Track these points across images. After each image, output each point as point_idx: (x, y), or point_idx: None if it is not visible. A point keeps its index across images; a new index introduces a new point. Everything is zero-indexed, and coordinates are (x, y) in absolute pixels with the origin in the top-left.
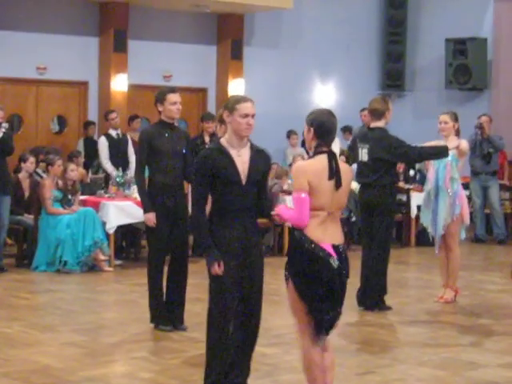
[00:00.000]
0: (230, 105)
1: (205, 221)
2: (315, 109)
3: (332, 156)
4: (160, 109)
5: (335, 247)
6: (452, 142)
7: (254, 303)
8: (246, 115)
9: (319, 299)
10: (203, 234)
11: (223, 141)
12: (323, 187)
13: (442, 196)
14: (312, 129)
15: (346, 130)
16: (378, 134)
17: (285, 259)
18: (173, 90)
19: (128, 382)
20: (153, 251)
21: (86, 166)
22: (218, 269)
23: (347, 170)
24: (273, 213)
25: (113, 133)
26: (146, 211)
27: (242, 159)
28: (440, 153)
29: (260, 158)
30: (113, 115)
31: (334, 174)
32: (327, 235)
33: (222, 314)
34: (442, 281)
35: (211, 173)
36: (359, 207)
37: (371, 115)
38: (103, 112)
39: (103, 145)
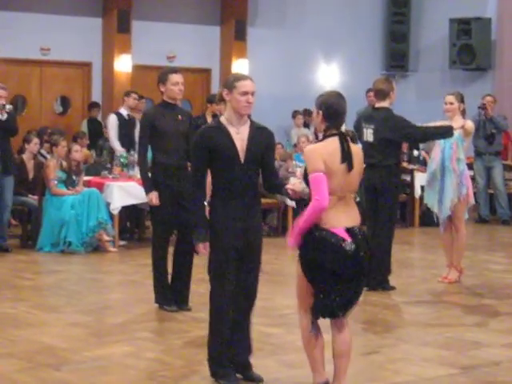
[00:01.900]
0: (229, 83)
1: (200, 198)
2: (324, 91)
3: (343, 138)
4: (162, 89)
5: (349, 230)
6: (457, 122)
7: (250, 283)
8: (246, 93)
9: (330, 285)
10: (197, 211)
11: (223, 119)
12: (335, 170)
13: (448, 176)
14: (321, 112)
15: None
16: (383, 114)
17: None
18: (175, 70)
19: (132, 362)
20: (157, 232)
21: (90, 147)
22: (202, 250)
23: (358, 152)
24: (288, 187)
25: (124, 112)
26: (147, 192)
27: (240, 137)
28: (445, 133)
29: (260, 135)
30: (134, 95)
31: (347, 156)
32: (339, 219)
33: (221, 294)
34: (446, 261)
35: (209, 150)
36: (364, 188)
37: (376, 95)
38: (114, 92)
39: (113, 123)
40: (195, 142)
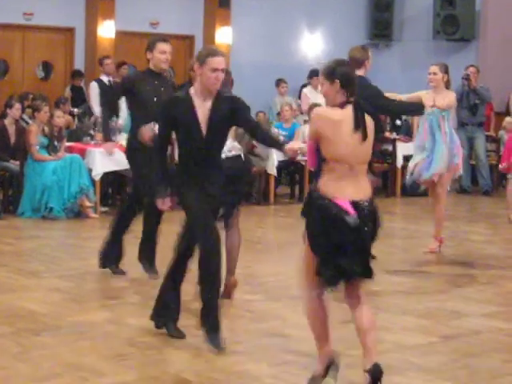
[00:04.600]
0: (201, 57)
1: (159, 160)
2: (331, 60)
3: (358, 107)
4: (149, 56)
5: (355, 203)
6: (428, 101)
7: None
8: (215, 69)
9: (331, 256)
10: (156, 170)
11: (191, 90)
12: (341, 138)
13: (438, 149)
14: (337, 80)
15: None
16: (359, 82)
17: (271, 207)
18: (164, 39)
19: (114, 328)
20: (134, 196)
21: (72, 113)
22: (161, 205)
23: (370, 122)
24: (288, 146)
25: (104, 79)
26: (105, 140)
27: (204, 110)
28: (416, 110)
29: (224, 104)
30: (108, 61)
31: (360, 125)
32: (344, 190)
33: (208, 236)
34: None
35: (172, 118)
36: None
37: (351, 64)
38: (96, 58)
39: (95, 90)
40: (160, 109)
